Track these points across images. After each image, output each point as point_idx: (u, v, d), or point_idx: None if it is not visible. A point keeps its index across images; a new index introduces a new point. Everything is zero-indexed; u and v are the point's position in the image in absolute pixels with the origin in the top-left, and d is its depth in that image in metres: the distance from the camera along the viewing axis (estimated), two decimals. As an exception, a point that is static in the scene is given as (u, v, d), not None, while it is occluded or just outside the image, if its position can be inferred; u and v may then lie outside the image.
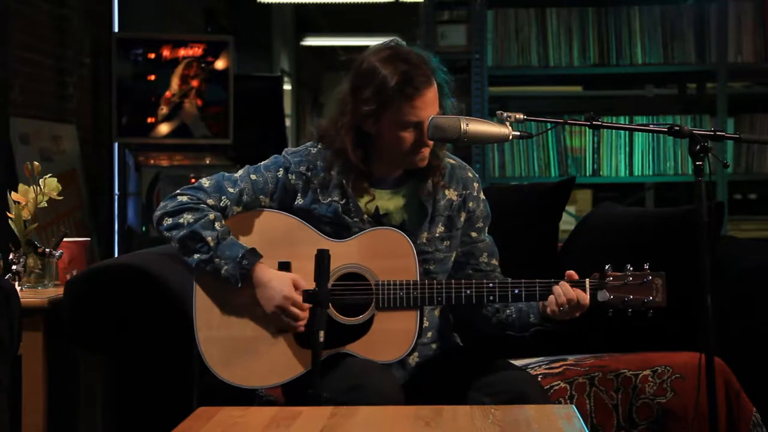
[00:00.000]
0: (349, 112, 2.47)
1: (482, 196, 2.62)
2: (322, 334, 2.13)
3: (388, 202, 2.54)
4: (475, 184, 2.60)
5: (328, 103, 2.57)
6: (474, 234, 2.60)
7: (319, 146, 2.55)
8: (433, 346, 2.57)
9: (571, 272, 2.42)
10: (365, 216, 2.50)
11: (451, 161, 2.59)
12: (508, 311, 2.54)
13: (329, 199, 2.51)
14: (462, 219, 2.57)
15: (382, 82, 2.41)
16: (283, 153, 2.58)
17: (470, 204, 2.58)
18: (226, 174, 2.55)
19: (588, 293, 2.38)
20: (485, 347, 2.62)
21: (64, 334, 2.73)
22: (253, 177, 2.53)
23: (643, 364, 2.73)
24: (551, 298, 2.38)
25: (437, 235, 2.53)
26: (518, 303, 2.51)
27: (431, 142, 2.45)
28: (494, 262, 2.62)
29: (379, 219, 2.52)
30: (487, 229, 2.63)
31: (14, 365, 2.63)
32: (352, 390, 2.27)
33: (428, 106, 2.42)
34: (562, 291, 2.37)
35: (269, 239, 2.48)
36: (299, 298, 2.38)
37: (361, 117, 2.45)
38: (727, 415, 2.68)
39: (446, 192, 2.55)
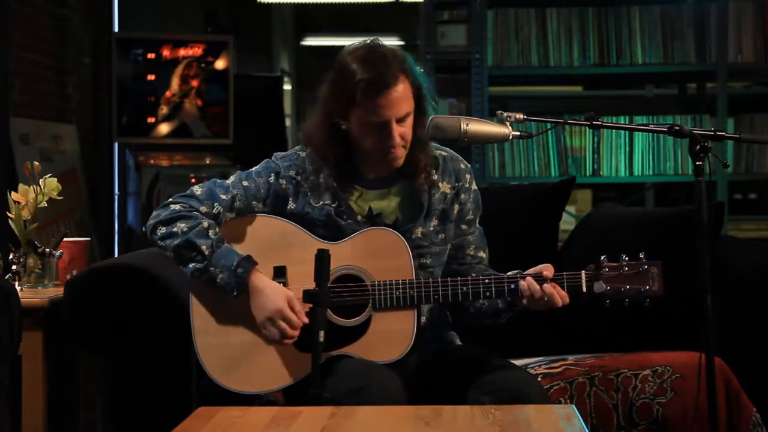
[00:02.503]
0: (322, 107, 2.48)
1: (474, 186, 2.61)
2: (322, 334, 2.13)
3: (381, 202, 2.54)
4: (467, 176, 2.60)
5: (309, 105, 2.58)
6: (464, 226, 2.59)
7: (308, 150, 2.55)
8: (432, 346, 2.57)
9: (546, 266, 2.40)
10: (359, 217, 2.50)
11: (443, 153, 2.59)
12: (480, 300, 2.53)
13: (321, 202, 2.50)
14: (455, 212, 2.57)
15: (350, 78, 2.41)
16: (273, 157, 2.58)
17: (462, 196, 2.58)
18: (218, 181, 2.54)
19: (585, 287, 2.38)
20: (484, 347, 2.62)
21: (64, 334, 2.73)
22: (245, 183, 2.52)
23: (643, 364, 2.72)
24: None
25: (432, 228, 2.53)
26: None
27: (400, 142, 2.43)
28: (481, 254, 2.61)
29: (372, 219, 2.52)
30: (477, 220, 2.63)
31: (14, 365, 2.63)
32: (355, 391, 2.26)
33: (394, 105, 2.40)
34: (527, 285, 2.36)
35: (264, 244, 2.48)
36: (291, 315, 2.37)
37: (333, 113, 2.46)
38: (727, 415, 2.68)
39: (440, 185, 2.55)
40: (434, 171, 2.53)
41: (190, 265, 2.42)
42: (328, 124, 2.47)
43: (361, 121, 2.42)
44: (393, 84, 2.39)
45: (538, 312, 2.41)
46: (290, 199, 2.52)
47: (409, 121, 2.44)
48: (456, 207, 2.57)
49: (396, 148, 2.44)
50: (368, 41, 2.48)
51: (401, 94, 2.41)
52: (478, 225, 2.63)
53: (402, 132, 2.43)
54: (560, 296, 2.37)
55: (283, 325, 2.37)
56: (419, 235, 2.51)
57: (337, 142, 2.48)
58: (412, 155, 2.49)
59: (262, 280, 2.40)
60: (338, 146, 2.48)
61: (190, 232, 2.42)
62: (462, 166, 2.60)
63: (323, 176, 2.51)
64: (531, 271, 2.40)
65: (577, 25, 5.22)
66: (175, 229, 2.43)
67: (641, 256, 2.40)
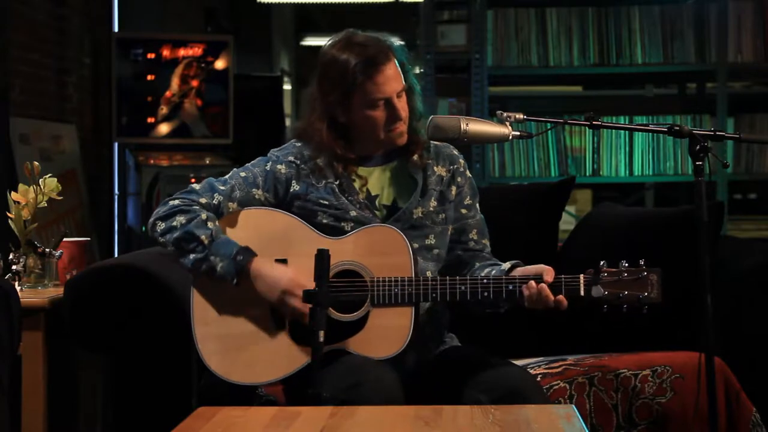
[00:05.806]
0: (319, 106, 2.53)
1: (468, 173, 2.66)
2: (322, 334, 2.13)
3: (377, 180, 2.58)
4: (461, 161, 2.65)
5: (302, 106, 2.62)
6: (464, 210, 2.62)
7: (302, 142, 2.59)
8: (430, 345, 2.57)
9: (547, 270, 2.39)
10: (359, 195, 2.54)
11: (434, 142, 2.63)
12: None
13: (324, 181, 2.54)
14: (453, 193, 2.60)
15: (343, 67, 2.46)
16: (269, 153, 2.62)
17: (459, 179, 2.62)
18: (215, 178, 2.58)
19: (582, 291, 2.37)
20: (483, 347, 2.62)
21: (64, 334, 2.73)
22: (242, 174, 2.57)
23: (643, 364, 2.72)
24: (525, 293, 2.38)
25: (431, 209, 2.55)
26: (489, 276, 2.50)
27: (405, 116, 2.50)
28: (484, 241, 2.64)
29: (372, 200, 2.55)
30: (477, 205, 2.65)
31: (14, 365, 2.63)
32: (351, 387, 2.27)
33: (391, 81, 2.48)
34: (529, 290, 2.36)
35: (265, 237, 2.49)
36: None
37: (331, 107, 2.51)
38: (727, 415, 2.68)
39: (435, 168, 2.59)
40: (427, 153, 2.58)
41: (191, 256, 2.44)
42: (328, 120, 2.52)
43: (364, 104, 2.48)
44: (386, 61, 2.48)
45: (536, 310, 2.41)
46: (293, 181, 2.55)
47: (404, 96, 2.52)
48: (454, 189, 2.60)
49: (402, 122, 2.50)
50: (342, 33, 2.55)
51: (395, 70, 2.49)
52: (480, 212, 2.65)
53: (401, 107, 2.50)
54: (558, 301, 2.36)
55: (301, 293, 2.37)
56: (420, 215, 2.53)
57: (338, 136, 2.53)
58: (409, 130, 2.55)
59: (263, 264, 2.42)
60: (339, 139, 2.53)
61: (189, 224, 2.44)
62: (454, 152, 2.66)
63: (321, 159, 2.54)
64: (531, 269, 2.40)
65: (577, 25, 5.22)
66: (174, 223, 2.46)
67: (641, 262, 2.39)
